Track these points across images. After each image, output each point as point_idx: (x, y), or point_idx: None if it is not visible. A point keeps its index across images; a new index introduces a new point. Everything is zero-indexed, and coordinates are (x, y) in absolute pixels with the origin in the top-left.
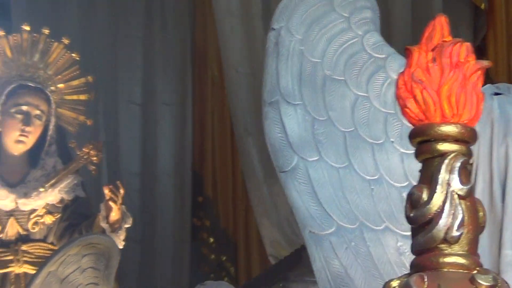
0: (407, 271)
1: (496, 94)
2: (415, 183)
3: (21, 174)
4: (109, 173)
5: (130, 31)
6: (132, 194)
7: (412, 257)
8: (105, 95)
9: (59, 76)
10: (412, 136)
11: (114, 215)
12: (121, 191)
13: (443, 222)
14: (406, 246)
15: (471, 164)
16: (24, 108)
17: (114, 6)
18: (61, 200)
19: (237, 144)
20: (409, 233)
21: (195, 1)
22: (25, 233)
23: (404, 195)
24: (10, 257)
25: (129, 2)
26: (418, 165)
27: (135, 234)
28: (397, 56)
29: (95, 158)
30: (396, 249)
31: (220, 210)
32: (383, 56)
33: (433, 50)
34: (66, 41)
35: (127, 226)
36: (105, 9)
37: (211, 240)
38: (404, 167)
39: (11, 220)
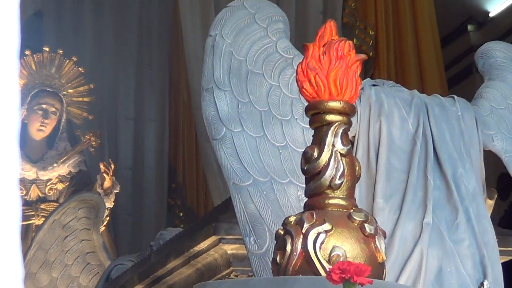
0: None
1: (374, 85)
2: None
3: (41, 154)
4: None
5: (127, 68)
6: (126, 182)
7: None
8: (108, 113)
9: (69, 84)
10: (307, 110)
11: (107, 183)
12: (112, 166)
13: (328, 173)
14: (304, 195)
15: (352, 138)
16: (44, 106)
17: (116, 50)
18: (69, 172)
19: (199, 147)
20: None
21: (172, 47)
22: (43, 195)
23: None
24: (32, 213)
25: (127, 47)
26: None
27: (128, 209)
28: (301, 57)
29: (94, 143)
30: (297, 197)
31: (188, 193)
32: (291, 56)
33: (324, 46)
34: (74, 59)
35: (116, 191)
36: (110, 52)
37: (181, 214)
38: (304, 137)
39: (33, 186)
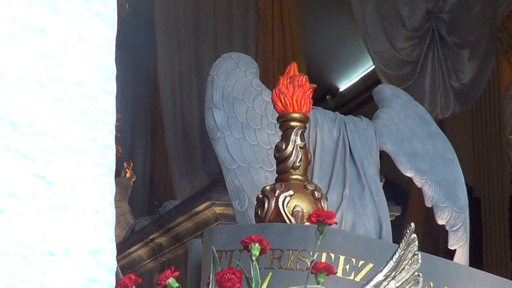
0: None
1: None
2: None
3: None
4: None
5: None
6: None
7: (272, 180)
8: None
9: None
10: (278, 118)
11: (128, 174)
12: (131, 164)
13: (292, 159)
14: (269, 175)
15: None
16: None
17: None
18: None
19: (168, 163)
20: (271, 169)
21: (152, 101)
22: None
23: (269, 152)
24: None
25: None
26: (275, 138)
27: None
28: (267, 89)
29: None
30: (265, 176)
31: (161, 189)
32: (260, 89)
33: (290, 78)
34: None
35: (133, 180)
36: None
37: (156, 203)
38: (269, 139)
39: None
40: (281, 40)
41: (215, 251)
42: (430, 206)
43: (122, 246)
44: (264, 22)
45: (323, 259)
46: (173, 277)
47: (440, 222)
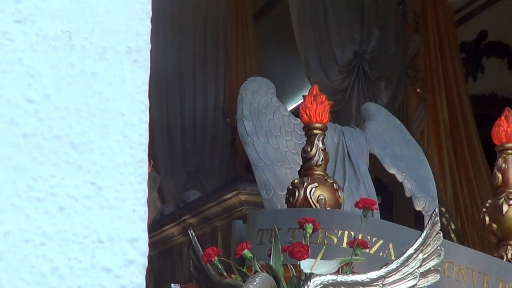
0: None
1: None
2: (292, 150)
3: None
4: None
5: None
6: None
7: (291, 175)
8: None
9: None
10: (304, 127)
11: (149, 169)
12: (151, 162)
13: (315, 159)
14: (289, 172)
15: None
16: None
17: None
18: None
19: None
20: (289, 167)
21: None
22: None
23: (287, 153)
24: None
25: None
26: (292, 143)
27: None
28: (283, 105)
29: None
30: (285, 172)
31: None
32: (278, 105)
33: (313, 96)
34: None
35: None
36: None
37: None
38: (286, 143)
39: None
40: (243, 72)
41: (276, 229)
42: (409, 196)
43: (157, 225)
44: (230, 57)
45: (346, 236)
46: (248, 249)
47: (418, 208)
